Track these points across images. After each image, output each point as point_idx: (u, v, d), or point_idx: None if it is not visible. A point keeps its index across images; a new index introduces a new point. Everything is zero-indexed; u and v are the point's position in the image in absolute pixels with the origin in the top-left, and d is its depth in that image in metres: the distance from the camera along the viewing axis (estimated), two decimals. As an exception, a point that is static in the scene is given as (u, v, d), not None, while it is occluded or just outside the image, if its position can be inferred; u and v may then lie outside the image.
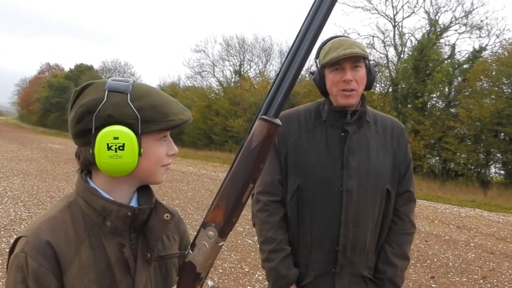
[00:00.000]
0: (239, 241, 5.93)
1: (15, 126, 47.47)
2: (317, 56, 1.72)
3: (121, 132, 0.90)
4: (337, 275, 1.66)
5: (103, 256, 0.94)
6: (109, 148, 0.90)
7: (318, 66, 1.70)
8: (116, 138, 0.90)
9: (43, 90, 42.68)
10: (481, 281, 4.91)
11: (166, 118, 0.93)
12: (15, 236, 0.97)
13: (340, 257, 1.64)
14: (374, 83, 1.70)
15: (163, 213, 1.00)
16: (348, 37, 1.74)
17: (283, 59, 0.77)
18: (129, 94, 0.92)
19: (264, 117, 0.78)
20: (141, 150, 0.92)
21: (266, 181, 1.73)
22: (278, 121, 0.78)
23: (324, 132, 1.68)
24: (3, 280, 4.12)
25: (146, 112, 0.92)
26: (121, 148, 0.90)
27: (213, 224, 0.84)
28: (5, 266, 4.49)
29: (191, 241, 0.90)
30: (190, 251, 0.88)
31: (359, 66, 1.62)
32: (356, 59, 1.60)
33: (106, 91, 0.92)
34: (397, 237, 1.72)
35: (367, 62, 1.67)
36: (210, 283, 0.91)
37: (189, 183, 10.98)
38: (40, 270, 0.87)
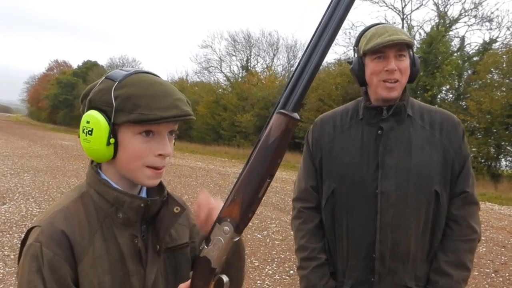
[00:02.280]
0: (249, 236, 5.93)
1: (25, 123, 47.91)
2: (356, 44, 1.61)
3: (92, 117, 0.91)
4: (375, 285, 1.53)
5: (115, 247, 0.94)
6: (83, 131, 0.93)
7: (357, 54, 1.59)
8: (88, 122, 0.92)
9: (52, 87, 42.98)
10: (493, 274, 4.87)
11: (136, 110, 0.88)
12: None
13: (378, 265, 1.51)
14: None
15: (173, 206, 0.99)
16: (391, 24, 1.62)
17: (303, 51, 0.76)
18: (117, 82, 0.91)
19: (282, 111, 0.76)
20: (111, 139, 0.90)
21: (300, 187, 1.68)
22: (296, 115, 0.77)
23: (360, 131, 1.58)
24: (16, 275, 4.17)
25: (120, 101, 0.89)
26: (90, 132, 0.91)
27: (228, 219, 0.83)
28: (18, 261, 4.56)
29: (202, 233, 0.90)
30: (205, 246, 0.87)
31: (404, 56, 1.50)
32: (401, 47, 1.48)
33: (104, 77, 0.94)
34: (453, 244, 1.52)
35: (411, 52, 1.55)
36: (225, 278, 0.90)
37: (198, 178, 11.01)
38: (56, 259, 0.87)
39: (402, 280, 1.52)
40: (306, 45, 0.75)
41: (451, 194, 1.54)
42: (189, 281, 0.92)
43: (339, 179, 1.57)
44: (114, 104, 0.88)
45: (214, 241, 0.85)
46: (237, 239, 0.85)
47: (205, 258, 0.87)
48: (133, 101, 0.88)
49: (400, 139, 1.53)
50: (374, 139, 1.55)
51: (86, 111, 0.93)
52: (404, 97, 1.56)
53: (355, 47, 1.63)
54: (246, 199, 0.80)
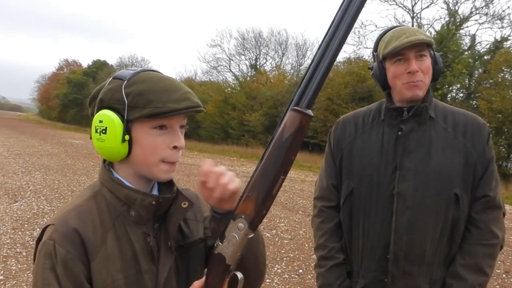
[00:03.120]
0: (257, 235, 5.93)
1: (35, 122, 48.36)
2: (375, 49, 1.59)
3: (105, 116, 0.92)
4: (388, 286, 1.52)
5: (128, 246, 0.95)
6: (96, 131, 0.94)
7: (377, 59, 1.57)
8: (101, 121, 0.93)
9: (62, 86, 43.33)
10: (504, 275, 4.83)
11: (150, 105, 0.90)
12: (38, 229, 0.99)
13: (391, 266, 1.51)
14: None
15: (181, 201, 1.00)
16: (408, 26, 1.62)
17: (316, 49, 0.76)
18: (126, 81, 0.92)
19: (296, 108, 0.77)
20: (126, 136, 0.91)
21: (321, 186, 1.70)
22: (310, 112, 0.77)
23: (381, 132, 1.57)
24: (28, 272, 4.21)
25: (132, 98, 0.91)
26: (104, 131, 0.92)
27: (243, 216, 0.83)
28: (29, 259, 4.57)
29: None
30: (220, 243, 0.87)
31: (425, 55, 1.47)
32: (421, 47, 1.46)
33: (111, 77, 0.96)
34: (471, 247, 1.49)
35: (432, 51, 1.52)
36: (239, 275, 0.90)
37: (207, 177, 11.01)
38: (68, 257, 0.88)
39: (416, 282, 1.50)
40: (319, 43, 0.76)
41: (472, 197, 1.51)
42: (204, 278, 0.92)
43: (358, 179, 1.57)
44: (126, 101, 0.90)
45: (228, 238, 0.86)
46: (251, 235, 0.86)
47: (219, 255, 0.87)
48: (145, 97, 0.90)
49: (420, 141, 1.51)
50: (394, 140, 1.53)
51: (97, 111, 0.95)
52: (427, 98, 1.54)
53: (374, 53, 1.61)
54: (261, 196, 0.80)
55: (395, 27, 1.56)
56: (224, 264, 0.87)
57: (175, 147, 0.95)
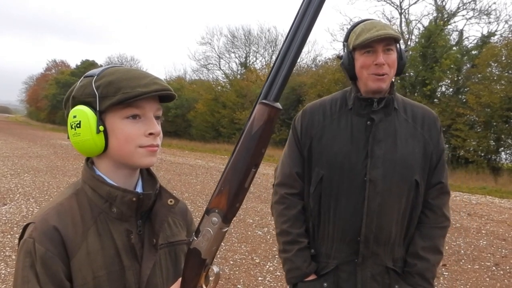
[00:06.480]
0: (249, 233, 5.94)
1: (24, 124, 47.90)
2: (346, 39, 1.67)
3: (78, 111, 0.94)
4: (359, 265, 1.63)
5: (110, 243, 0.96)
6: (71, 127, 0.95)
7: (347, 49, 1.65)
8: (74, 116, 0.94)
9: (51, 87, 42.93)
10: (494, 268, 4.88)
11: (119, 92, 0.91)
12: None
13: (362, 248, 1.61)
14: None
15: (166, 198, 1.01)
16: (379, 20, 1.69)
17: (282, 43, 0.77)
18: (95, 76, 0.95)
19: (264, 101, 0.77)
20: (100, 126, 0.92)
21: (284, 173, 1.73)
22: (278, 105, 0.78)
23: (350, 120, 1.64)
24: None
25: (103, 89, 0.92)
26: (78, 125, 0.93)
27: (216, 210, 0.83)
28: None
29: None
30: (195, 238, 0.88)
31: (392, 50, 1.57)
32: (389, 41, 1.55)
33: (82, 77, 0.98)
34: (429, 230, 1.65)
35: (399, 46, 1.62)
36: (215, 268, 0.91)
37: (198, 176, 11.02)
38: (48, 255, 0.89)
39: (382, 261, 1.64)
40: (285, 36, 0.77)
41: (428, 184, 1.66)
42: (180, 279, 0.93)
43: (328, 166, 1.63)
44: (97, 93, 0.92)
45: (203, 232, 0.86)
46: (225, 229, 0.86)
47: (195, 249, 0.88)
48: (115, 85, 0.92)
49: (387, 131, 1.61)
50: (363, 129, 1.62)
51: (71, 109, 0.96)
52: (392, 90, 1.63)
53: (344, 42, 1.69)
54: (233, 190, 0.81)
55: (366, 20, 1.63)
56: (200, 258, 0.88)
57: (150, 134, 0.96)
